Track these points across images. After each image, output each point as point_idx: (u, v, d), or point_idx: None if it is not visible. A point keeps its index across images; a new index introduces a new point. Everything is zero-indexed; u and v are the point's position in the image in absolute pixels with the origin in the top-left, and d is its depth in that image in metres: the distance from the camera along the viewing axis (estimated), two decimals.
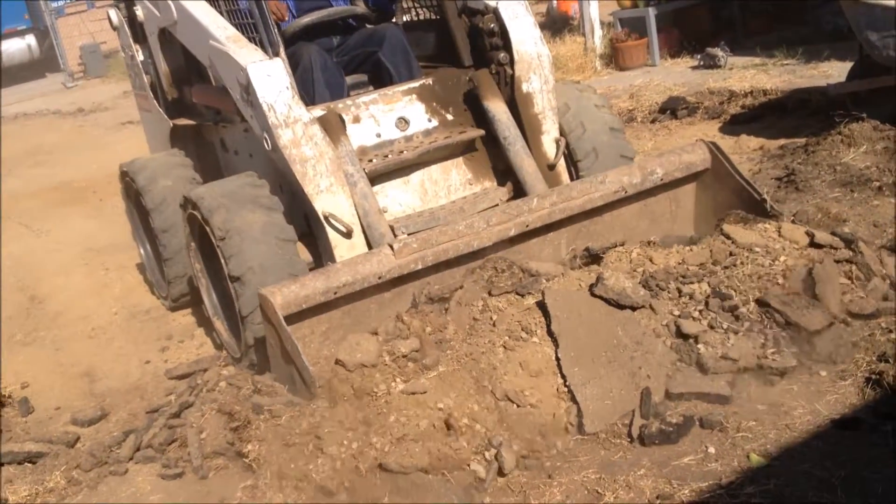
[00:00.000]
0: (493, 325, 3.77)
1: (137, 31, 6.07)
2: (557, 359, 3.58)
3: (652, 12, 10.61)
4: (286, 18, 5.17)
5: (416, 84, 4.88)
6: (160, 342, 5.40)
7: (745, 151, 7.05)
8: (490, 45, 4.83)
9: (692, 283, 3.90)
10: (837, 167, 5.72)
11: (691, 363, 3.63)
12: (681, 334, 3.70)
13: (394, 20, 5.66)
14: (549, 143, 4.84)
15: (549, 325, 3.67)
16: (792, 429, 3.33)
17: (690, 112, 8.36)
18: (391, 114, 4.74)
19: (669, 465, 3.24)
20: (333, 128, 4.45)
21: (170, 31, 5.44)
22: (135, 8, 5.93)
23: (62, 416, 4.61)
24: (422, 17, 5.71)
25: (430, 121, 4.81)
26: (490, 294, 3.92)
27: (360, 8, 5.49)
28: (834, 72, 8.18)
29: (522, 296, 3.89)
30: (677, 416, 3.41)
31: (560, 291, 3.83)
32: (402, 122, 4.75)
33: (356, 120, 4.66)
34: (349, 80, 5.15)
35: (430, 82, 4.90)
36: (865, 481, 2.96)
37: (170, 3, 5.15)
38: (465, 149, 4.87)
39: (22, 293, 6.72)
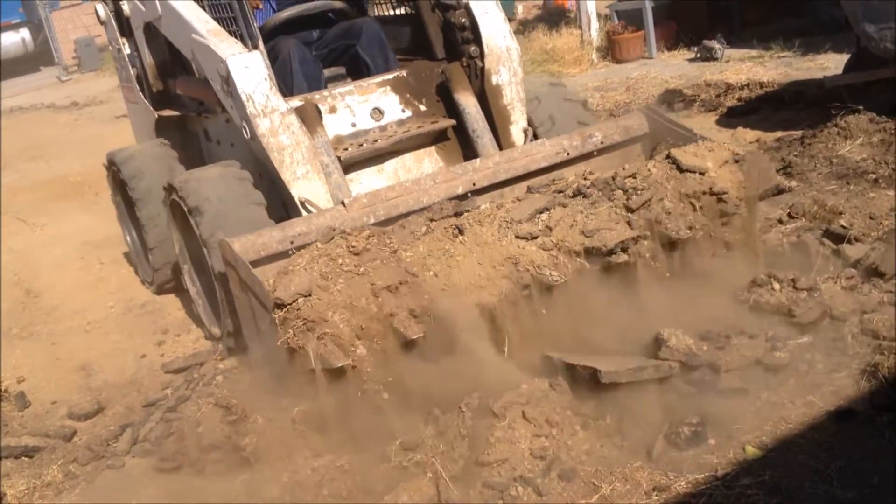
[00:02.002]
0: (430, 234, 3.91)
1: (124, 25, 6.22)
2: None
3: (649, 5, 10.60)
4: (261, 7, 5.36)
5: (390, 76, 5.03)
6: (156, 336, 5.39)
7: (742, 144, 7.03)
8: (461, 38, 4.98)
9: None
10: (834, 159, 5.72)
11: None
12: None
13: (369, 14, 5.86)
14: (517, 133, 4.95)
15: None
16: (788, 420, 3.33)
17: (687, 105, 8.35)
18: (366, 104, 4.90)
19: (666, 456, 3.25)
20: (310, 118, 4.58)
21: (154, 26, 5.59)
22: (121, 3, 6.09)
23: (59, 411, 4.61)
24: (398, 12, 5.92)
25: (403, 111, 4.96)
26: (432, 220, 4.06)
27: (339, 3, 5.61)
28: (831, 64, 8.18)
29: (460, 214, 4.03)
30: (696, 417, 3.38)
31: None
32: (377, 112, 4.90)
33: (332, 110, 4.81)
34: (328, 72, 5.31)
35: (405, 74, 5.05)
36: (861, 472, 2.97)
37: (155, 1, 5.28)
38: (437, 138, 5.02)
39: (18, 287, 6.72)
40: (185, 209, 4.61)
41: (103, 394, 4.70)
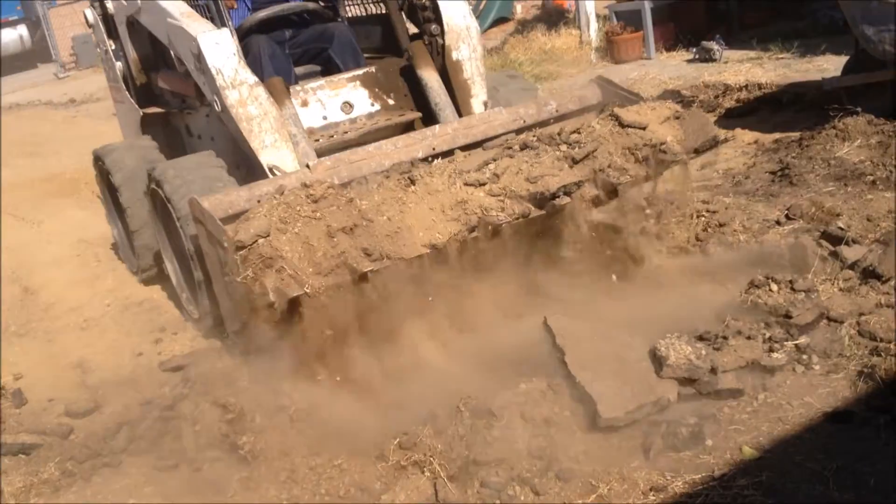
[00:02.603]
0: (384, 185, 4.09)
1: (111, 26, 6.50)
2: (564, 364, 3.61)
3: (648, 5, 10.60)
4: (235, 6, 5.56)
5: (360, 72, 5.28)
6: (153, 334, 5.38)
7: (740, 145, 7.04)
8: (423, 18, 5.27)
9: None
10: (832, 161, 5.73)
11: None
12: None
13: (340, 14, 6.10)
14: (477, 105, 5.15)
15: (553, 341, 3.73)
16: (784, 422, 3.35)
17: (685, 106, 8.32)
18: (337, 98, 5.13)
19: (663, 456, 3.26)
20: (278, 91, 4.82)
21: (136, 19, 5.85)
22: (106, 2, 6.35)
23: (56, 408, 4.60)
24: (369, 13, 6.20)
25: (372, 105, 5.21)
26: (386, 177, 4.24)
27: (312, 4, 5.82)
28: (829, 66, 8.18)
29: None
30: (693, 418, 3.41)
31: (561, 318, 3.91)
32: (347, 105, 5.16)
33: (304, 104, 5.04)
34: (302, 69, 5.54)
35: (374, 70, 5.30)
36: (857, 474, 2.98)
37: None
38: (405, 130, 5.14)
39: (15, 284, 6.70)
40: (164, 196, 4.86)
41: (100, 392, 4.69)
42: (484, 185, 4.09)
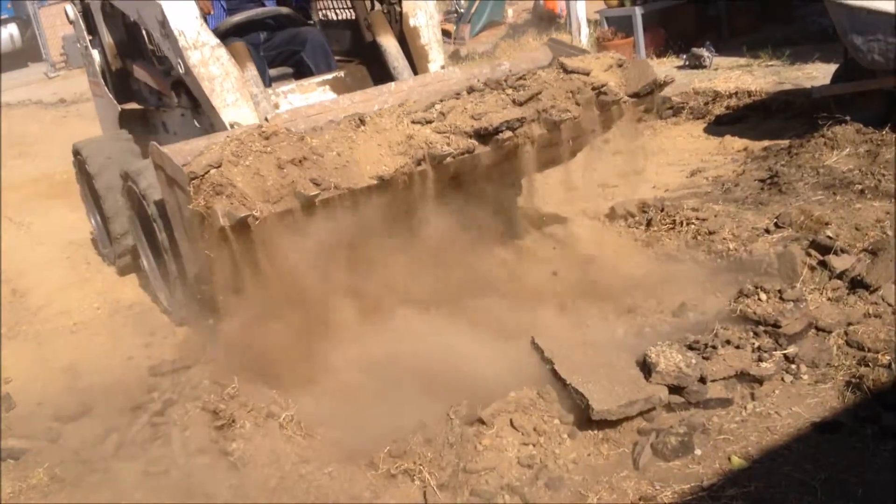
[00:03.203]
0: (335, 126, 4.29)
1: (91, 22, 6.66)
2: (555, 373, 3.63)
3: (639, 11, 10.61)
4: (212, 11, 5.73)
5: (329, 76, 5.46)
6: (143, 338, 5.36)
7: (730, 152, 7.08)
8: None
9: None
10: (820, 170, 5.76)
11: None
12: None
13: (312, 19, 6.37)
14: (435, 69, 5.35)
15: (542, 356, 3.75)
16: (773, 431, 3.36)
17: (675, 112, 8.38)
18: (307, 101, 5.22)
19: (652, 466, 3.27)
20: (240, 55, 5.04)
21: (110, 3, 5.97)
22: None
23: (45, 412, 4.57)
24: (340, 17, 6.33)
25: None
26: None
27: (286, 9, 6.00)
28: (819, 73, 8.22)
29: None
30: (683, 427, 3.43)
31: (548, 338, 3.94)
32: None
33: (276, 106, 5.14)
34: (276, 71, 5.72)
35: (342, 75, 5.50)
36: (845, 484, 3.01)
37: None
38: None
39: (4, 286, 6.67)
40: (139, 193, 5.08)
41: (89, 396, 4.66)
42: (431, 122, 4.32)
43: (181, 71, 4.83)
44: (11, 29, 24.90)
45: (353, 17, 6.00)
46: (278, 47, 5.81)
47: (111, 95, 6.62)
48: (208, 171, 3.80)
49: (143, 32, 5.69)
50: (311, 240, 3.95)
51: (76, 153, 6.45)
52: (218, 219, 3.73)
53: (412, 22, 5.35)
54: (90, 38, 6.81)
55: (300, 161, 3.93)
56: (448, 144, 4.22)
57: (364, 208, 4.08)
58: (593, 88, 4.55)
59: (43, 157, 11.46)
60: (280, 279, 4.02)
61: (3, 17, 24.59)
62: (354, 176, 4.03)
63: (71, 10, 6.82)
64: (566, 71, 4.60)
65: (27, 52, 24.87)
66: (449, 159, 4.21)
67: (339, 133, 4.20)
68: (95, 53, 6.76)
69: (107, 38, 6.47)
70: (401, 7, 5.37)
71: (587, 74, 4.59)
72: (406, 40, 5.37)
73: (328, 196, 3.92)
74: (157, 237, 5.02)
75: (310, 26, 6.08)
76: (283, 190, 3.86)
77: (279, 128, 4.07)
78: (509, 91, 4.48)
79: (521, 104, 4.42)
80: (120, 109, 6.46)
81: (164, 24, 4.77)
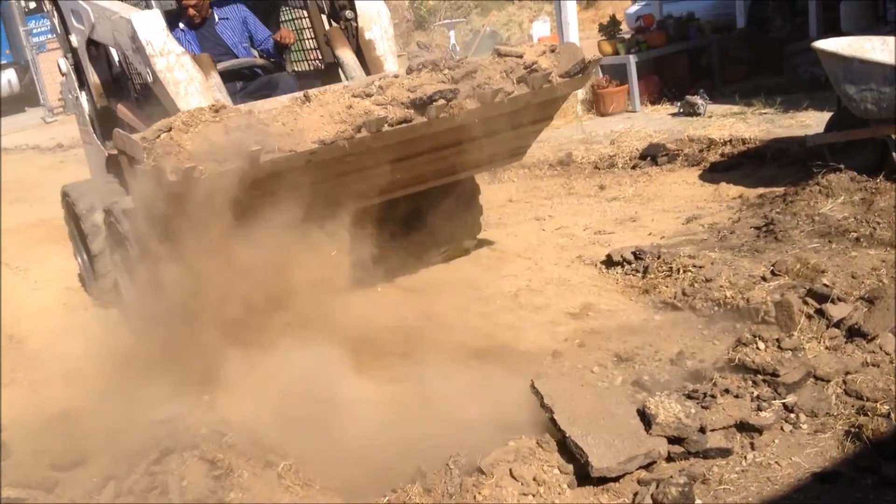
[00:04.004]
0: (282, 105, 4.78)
1: (81, 74, 6.89)
2: (554, 421, 3.61)
3: (633, 59, 10.75)
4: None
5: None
6: (140, 385, 5.33)
7: (725, 199, 7.14)
8: (339, 6, 5.94)
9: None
10: (816, 217, 5.80)
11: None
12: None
13: (286, 70, 6.68)
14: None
15: (541, 402, 3.73)
16: (773, 482, 3.36)
17: (671, 159, 8.45)
18: None
19: None
20: (204, 64, 5.36)
21: (93, 39, 6.20)
22: (70, 36, 6.67)
23: (41, 460, 4.53)
24: (314, 68, 6.76)
25: None
26: None
27: (260, 60, 6.43)
28: (811, 122, 8.31)
29: None
30: (683, 477, 3.41)
31: (547, 381, 3.93)
32: None
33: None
34: None
35: None
36: None
37: (87, 6, 5.95)
38: None
39: (1, 332, 6.64)
40: (120, 230, 5.46)
41: (86, 443, 4.63)
42: (370, 95, 4.71)
43: (149, 79, 5.16)
44: (10, 74, 25.08)
45: (323, 68, 6.42)
46: (254, 93, 5.99)
47: (98, 141, 6.84)
48: (159, 136, 4.18)
49: (120, 61, 6.14)
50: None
51: (65, 195, 6.88)
52: (166, 175, 4.07)
53: (367, 35, 5.86)
54: (80, 89, 7.03)
55: (247, 127, 4.30)
56: (386, 112, 4.59)
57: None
58: (525, 67, 4.96)
59: (40, 203, 11.45)
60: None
61: (1, 62, 24.76)
62: (298, 142, 4.39)
63: (63, 63, 7.10)
64: (500, 55, 5.09)
65: (25, 98, 25.03)
66: (386, 126, 4.53)
67: (284, 108, 4.63)
68: (85, 102, 6.98)
69: (93, 79, 6.63)
70: (356, 23, 5.86)
71: (520, 57, 5.04)
72: (363, 53, 5.85)
73: (271, 157, 4.24)
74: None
75: (283, 72, 6.44)
76: (228, 151, 4.18)
77: (229, 104, 4.49)
78: (446, 71, 4.91)
79: (456, 81, 4.79)
80: (107, 154, 6.63)
81: (133, 37, 5.10)
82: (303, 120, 4.51)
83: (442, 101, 4.63)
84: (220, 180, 4.15)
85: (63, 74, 7.28)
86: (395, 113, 4.59)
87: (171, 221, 4.39)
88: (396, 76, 4.97)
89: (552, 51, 5.23)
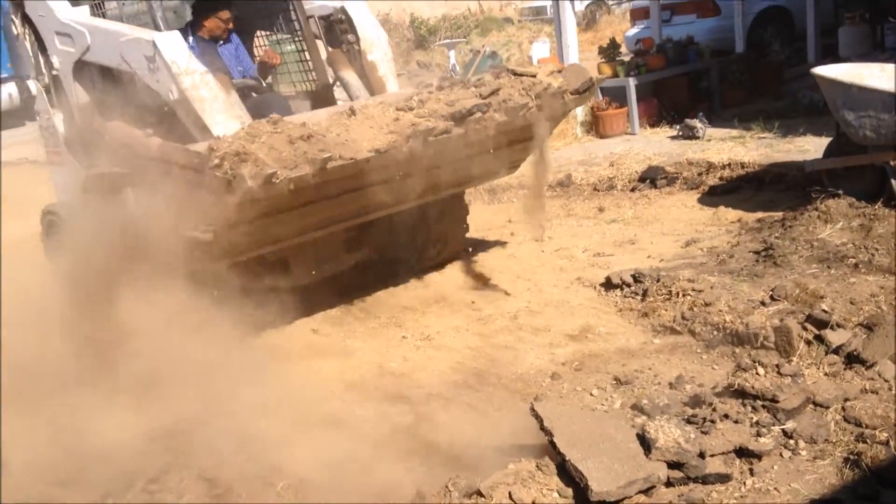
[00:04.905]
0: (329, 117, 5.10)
1: (53, 95, 6.92)
2: (553, 444, 3.61)
3: (632, 82, 10.80)
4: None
5: None
6: (137, 401, 5.32)
7: (724, 223, 7.16)
8: (340, 31, 6.37)
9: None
10: (814, 243, 5.82)
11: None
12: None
13: (276, 91, 6.98)
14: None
15: (541, 425, 3.73)
16: None
17: (669, 182, 8.48)
18: None
19: None
20: (224, 83, 5.59)
21: (84, 61, 6.23)
22: (51, 57, 6.67)
23: (38, 477, 4.52)
24: (306, 90, 6.96)
25: None
26: None
27: (252, 81, 6.61)
28: (810, 147, 8.35)
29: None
30: (682, 502, 3.42)
31: (547, 404, 3.97)
32: None
33: None
34: None
35: None
36: None
37: (82, 28, 6.07)
38: None
39: None
40: None
41: (84, 460, 4.62)
42: (412, 109, 5.08)
43: (173, 97, 5.33)
44: (10, 88, 25.09)
45: (314, 89, 6.74)
46: (249, 111, 6.03)
47: (76, 162, 6.78)
48: (227, 144, 4.42)
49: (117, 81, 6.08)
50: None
51: (48, 212, 7.10)
52: (245, 180, 4.30)
53: (370, 57, 6.29)
54: (54, 110, 7.00)
55: (307, 137, 4.57)
56: (430, 123, 4.97)
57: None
58: (541, 85, 5.48)
59: (36, 217, 11.43)
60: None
61: (2, 76, 24.81)
62: (356, 150, 4.69)
63: (34, 85, 7.14)
64: (516, 74, 5.57)
65: (25, 111, 25.03)
66: (431, 138, 4.93)
67: (333, 120, 4.93)
68: (59, 123, 6.95)
69: (77, 100, 6.59)
70: (359, 46, 6.28)
71: (534, 76, 5.55)
72: (366, 73, 6.27)
73: (336, 164, 4.56)
74: None
75: (274, 92, 6.71)
76: (298, 159, 4.46)
77: (248, 120, 4.82)
78: (472, 88, 5.37)
79: (485, 97, 5.23)
80: (89, 174, 6.49)
81: (154, 58, 5.31)
82: (354, 131, 4.84)
83: (479, 114, 5.11)
84: (288, 185, 4.45)
85: (33, 97, 7.33)
86: (436, 124, 4.98)
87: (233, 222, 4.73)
88: (431, 91, 5.37)
89: (559, 72, 5.74)
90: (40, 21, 6.62)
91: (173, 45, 5.36)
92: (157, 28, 5.90)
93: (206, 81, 5.36)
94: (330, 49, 6.56)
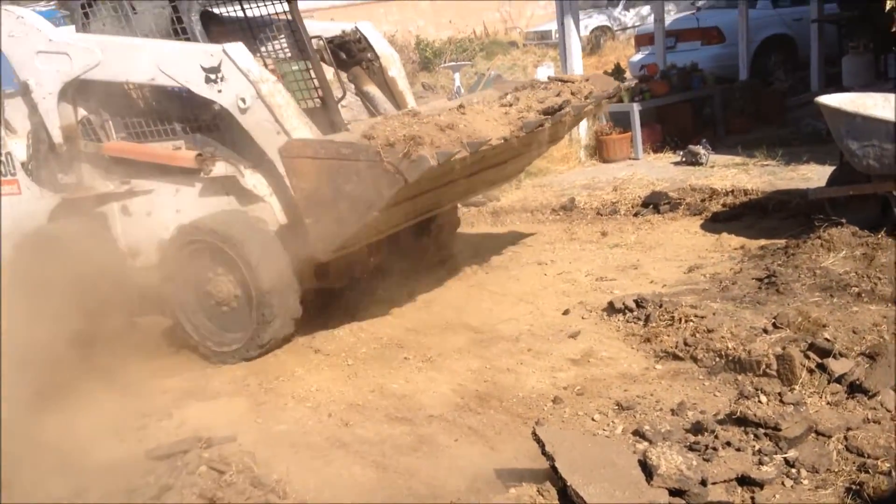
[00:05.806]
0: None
1: (10, 124, 6.98)
2: (555, 469, 3.60)
3: (636, 107, 10.84)
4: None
5: None
6: (139, 420, 5.32)
7: (727, 250, 7.17)
8: (357, 49, 6.99)
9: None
10: (817, 271, 5.83)
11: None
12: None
13: None
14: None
15: (542, 450, 3.73)
16: None
17: (672, 207, 8.50)
18: None
19: None
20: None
21: (85, 80, 6.21)
22: (27, 81, 6.57)
23: (38, 496, 4.51)
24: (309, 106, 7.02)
25: None
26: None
27: None
28: (813, 175, 8.37)
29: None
30: None
31: (549, 428, 3.99)
32: None
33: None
34: None
35: None
36: None
37: (90, 47, 6.11)
38: None
39: None
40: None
41: (83, 479, 4.60)
42: (512, 105, 5.91)
43: (244, 105, 5.59)
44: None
45: (319, 105, 6.73)
46: None
47: (39, 189, 6.66)
48: (396, 134, 4.95)
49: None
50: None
51: None
52: (427, 160, 4.83)
53: (391, 72, 7.03)
54: (9, 136, 6.91)
55: (451, 126, 5.16)
56: (534, 117, 5.79)
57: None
58: (584, 92, 6.55)
59: None
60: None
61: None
62: (487, 137, 5.29)
63: None
64: (563, 81, 6.67)
65: None
66: (538, 127, 5.79)
67: (452, 115, 5.42)
68: (17, 149, 6.80)
69: (56, 122, 6.46)
70: (378, 63, 6.98)
71: (573, 83, 6.64)
72: (388, 88, 6.97)
73: (483, 148, 5.26)
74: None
75: None
76: (454, 143, 5.04)
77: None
78: (542, 91, 6.40)
79: (557, 96, 6.20)
80: (60, 199, 6.51)
81: (216, 69, 5.58)
82: (475, 122, 5.39)
83: (567, 109, 6.06)
84: (454, 165, 5.14)
85: None
86: (538, 118, 5.79)
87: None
88: (518, 92, 6.43)
89: (588, 80, 6.90)
90: (9, 43, 6.49)
91: (245, 55, 5.62)
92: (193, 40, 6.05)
93: (278, 89, 5.67)
94: (335, 69, 6.93)
